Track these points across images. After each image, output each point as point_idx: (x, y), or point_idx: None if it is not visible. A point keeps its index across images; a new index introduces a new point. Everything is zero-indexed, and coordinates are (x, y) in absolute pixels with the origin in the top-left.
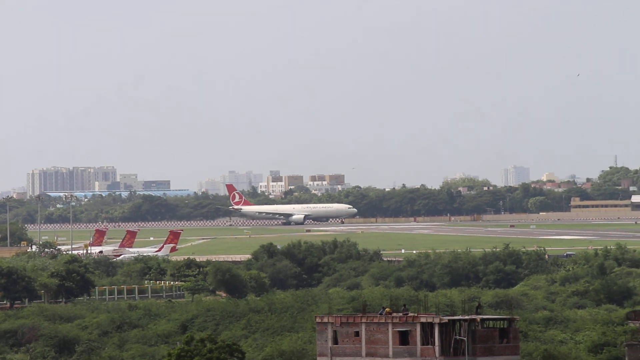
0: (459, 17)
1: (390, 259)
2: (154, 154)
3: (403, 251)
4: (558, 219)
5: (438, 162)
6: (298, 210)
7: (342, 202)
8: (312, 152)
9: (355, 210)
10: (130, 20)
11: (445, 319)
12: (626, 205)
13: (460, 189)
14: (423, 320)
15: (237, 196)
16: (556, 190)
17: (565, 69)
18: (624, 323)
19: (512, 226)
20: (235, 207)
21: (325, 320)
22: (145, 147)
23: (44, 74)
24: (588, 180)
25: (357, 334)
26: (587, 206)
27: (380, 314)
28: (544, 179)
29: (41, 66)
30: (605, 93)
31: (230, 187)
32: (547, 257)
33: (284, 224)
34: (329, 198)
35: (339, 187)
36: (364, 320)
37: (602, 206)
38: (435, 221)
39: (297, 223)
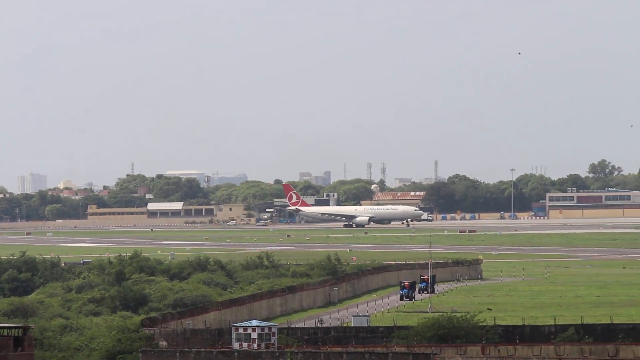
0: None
1: None
2: None
3: None
4: (75, 227)
5: None
6: (361, 212)
7: None
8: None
9: (422, 212)
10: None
11: None
12: (142, 213)
13: None
14: None
15: (294, 196)
16: (73, 197)
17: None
18: (139, 330)
19: (28, 234)
20: (293, 207)
21: None
22: None
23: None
24: (105, 187)
25: None
26: (104, 214)
27: None
28: (62, 186)
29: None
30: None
31: (287, 187)
32: (63, 264)
33: (346, 226)
34: None
35: None
36: None
37: (119, 214)
38: None
39: (360, 225)
